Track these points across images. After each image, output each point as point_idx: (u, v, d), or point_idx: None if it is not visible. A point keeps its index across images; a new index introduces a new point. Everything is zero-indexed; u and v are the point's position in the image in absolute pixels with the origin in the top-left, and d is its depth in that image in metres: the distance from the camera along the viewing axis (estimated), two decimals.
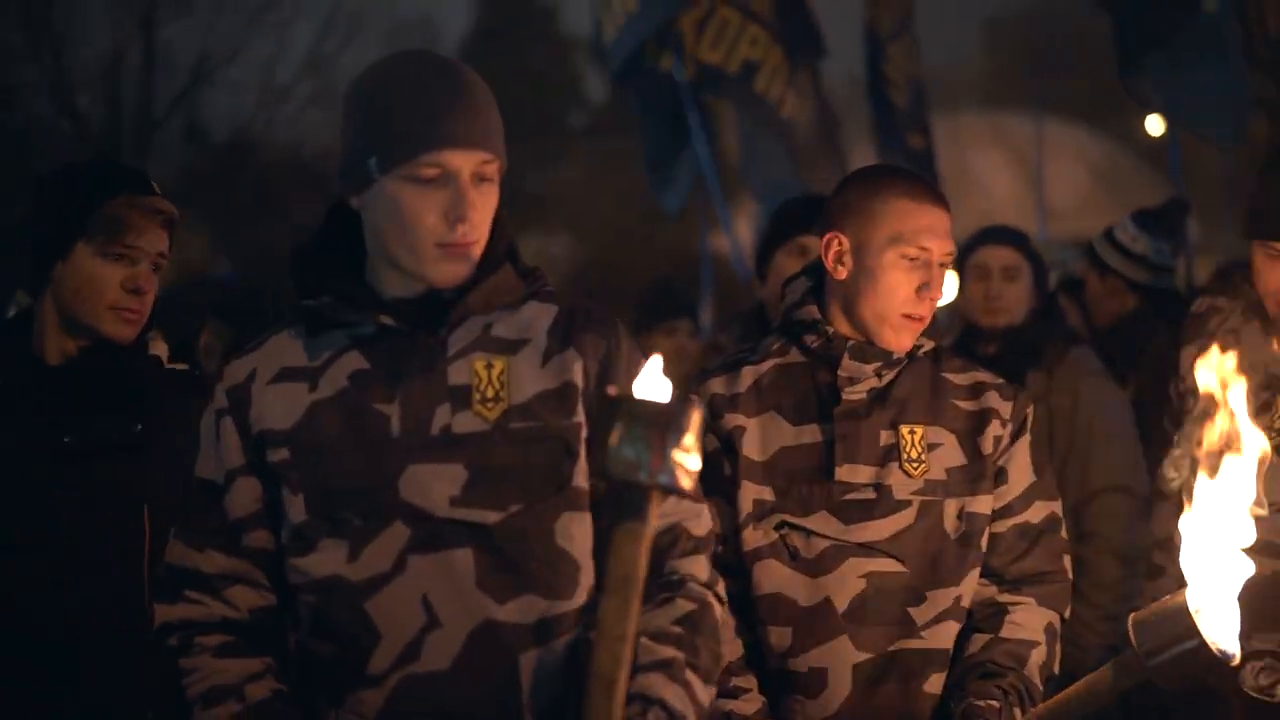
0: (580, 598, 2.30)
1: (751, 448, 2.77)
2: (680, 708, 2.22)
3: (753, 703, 2.73)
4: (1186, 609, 2.09)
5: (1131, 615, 2.17)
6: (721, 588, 2.40)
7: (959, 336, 4.59)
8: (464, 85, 2.29)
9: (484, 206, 2.29)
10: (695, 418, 1.90)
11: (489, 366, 2.29)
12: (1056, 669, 2.77)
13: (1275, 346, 2.98)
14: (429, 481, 2.25)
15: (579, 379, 2.31)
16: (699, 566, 2.36)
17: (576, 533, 2.31)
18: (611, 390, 1.90)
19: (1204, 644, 2.08)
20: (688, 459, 1.91)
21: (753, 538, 2.74)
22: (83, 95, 16.07)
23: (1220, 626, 2.09)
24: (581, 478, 2.31)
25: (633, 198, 19.55)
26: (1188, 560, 2.12)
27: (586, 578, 2.31)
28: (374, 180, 2.27)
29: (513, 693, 2.25)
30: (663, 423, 1.87)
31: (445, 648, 2.24)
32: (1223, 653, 2.09)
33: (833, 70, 8.59)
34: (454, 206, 2.25)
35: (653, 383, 1.92)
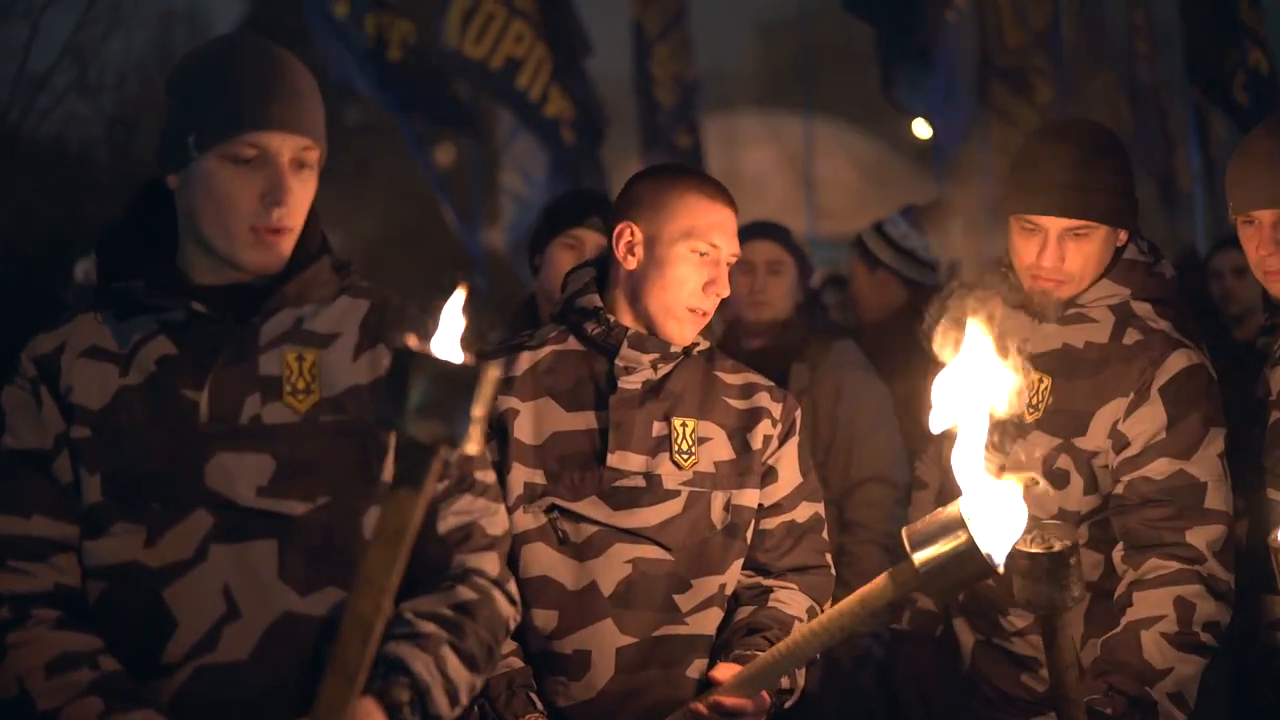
0: None
1: (524, 431, 2.80)
2: (426, 679, 2.22)
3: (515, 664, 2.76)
4: (959, 516, 2.20)
5: (905, 528, 2.27)
6: (513, 586, 2.41)
7: (724, 330, 4.67)
8: (288, 70, 2.30)
9: (302, 193, 2.28)
10: (489, 383, 1.91)
11: (300, 358, 2.29)
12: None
13: (1032, 322, 3.12)
14: (235, 471, 2.23)
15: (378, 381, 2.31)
16: (489, 562, 2.37)
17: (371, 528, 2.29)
18: (411, 343, 1.87)
19: (974, 546, 2.19)
20: (477, 424, 1.91)
21: (522, 520, 2.77)
22: None
23: (988, 535, 2.21)
24: (388, 472, 2.30)
25: (406, 195, 19.40)
26: (961, 477, 2.23)
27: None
28: (192, 159, 2.25)
29: (310, 685, 2.17)
30: (458, 384, 1.88)
31: (243, 639, 2.22)
32: (990, 558, 2.21)
33: (602, 70, 8.64)
34: (271, 190, 2.24)
35: (450, 344, 1.94)
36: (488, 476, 2.42)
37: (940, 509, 2.24)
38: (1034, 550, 2.33)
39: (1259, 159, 3.10)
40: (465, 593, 2.33)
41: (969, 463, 2.22)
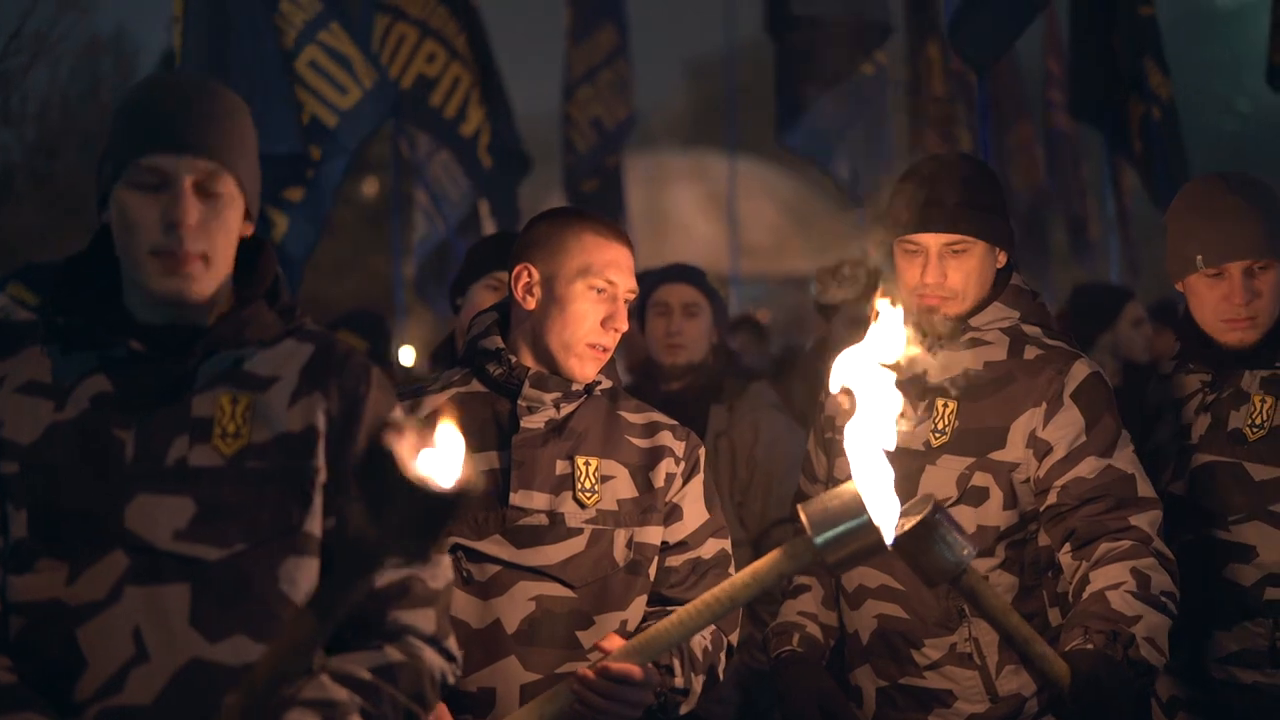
0: None
1: None
2: None
3: None
4: (856, 493, 2.29)
5: (800, 505, 2.34)
6: (452, 642, 2.35)
7: (641, 372, 4.72)
8: (201, 96, 2.27)
9: (212, 219, 2.23)
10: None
11: (234, 401, 2.25)
12: (721, 675, 2.90)
13: (921, 346, 3.23)
14: (155, 513, 2.20)
15: (321, 423, 2.28)
16: (424, 619, 2.31)
17: (300, 578, 2.25)
18: (409, 472, 1.80)
19: (870, 522, 2.28)
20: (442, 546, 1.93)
21: None
22: None
23: (880, 514, 2.30)
24: (314, 523, 2.27)
25: (355, 227, 19.35)
26: (853, 460, 2.31)
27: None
28: (109, 191, 2.25)
29: None
30: (439, 516, 1.85)
31: (149, 683, 2.19)
32: (882, 534, 2.30)
33: (538, 107, 8.72)
34: (167, 211, 2.21)
35: (443, 461, 1.87)
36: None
37: (837, 488, 2.32)
38: (906, 529, 2.45)
39: (1228, 213, 3.31)
40: (392, 654, 2.26)
41: (862, 441, 2.30)
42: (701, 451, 2.98)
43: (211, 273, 2.25)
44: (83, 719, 2.19)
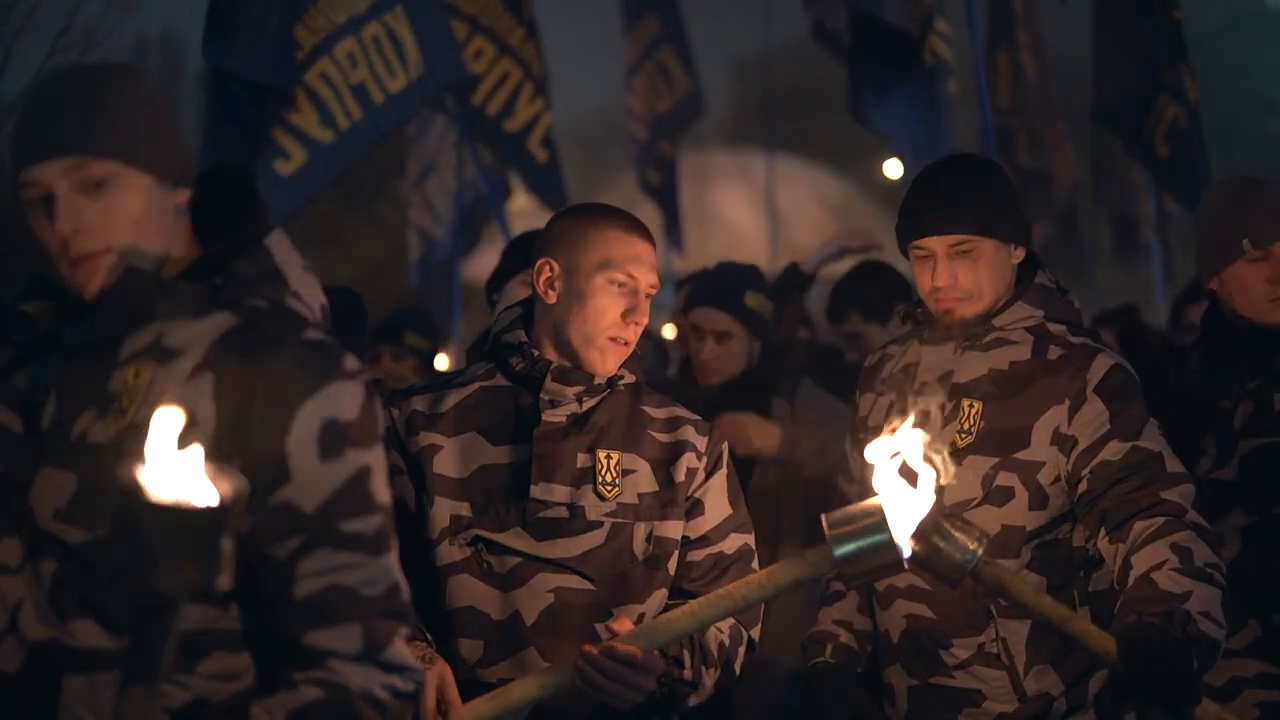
0: None
1: (446, 465, 2.87)
2: None
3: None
4: (880, 509, 2.31)
5: (824, 515, 2.37)
6: (396, 648, 2.12)
7: (679, 376, 4.75)
8: (64, 87, 2.15)
9: (96, 213, 2.12)
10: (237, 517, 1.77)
11: (137, 375, 2.10)
12: (738, 669, 2.90)
13: (955, 353, 3.26)
14: (47, 488, 2.11)
15: (203, 411, 2.05)
16: (347, 637, 2.08)
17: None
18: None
19: (890, 542, 2.31)
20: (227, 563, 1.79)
21: (447, 552, 2.84)
22: None
23: (901, 532, 2.33)
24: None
25: (382, 222, 19.42)
26: (879, 478, 2.34)
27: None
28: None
29: (49, 715, 2.09)
30: (195, 527, 1.77)
31: (14, 654, 2.12)
32: (901, 553, 2.33)
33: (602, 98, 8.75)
34: (56, 225, 2.12)
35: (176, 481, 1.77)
36: (364, 524, 2.10)
37: (861, 502, 2.34)
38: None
39: (1273, 197, 3.51)
40: (309, 692, 2.06)
41: (886, 457, 2.33)
42: (725, 447, 2.99)
43: (109, 260, 2.14)
44: None
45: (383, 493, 2.13)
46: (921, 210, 3.22)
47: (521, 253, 4.13)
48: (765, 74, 17.71)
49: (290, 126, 5.18)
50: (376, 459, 2.13)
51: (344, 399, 2.09)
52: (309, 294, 2.25)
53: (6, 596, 2.13)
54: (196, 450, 1.84)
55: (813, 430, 4.52)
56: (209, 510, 1.82)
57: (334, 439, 2.08)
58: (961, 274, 3.19)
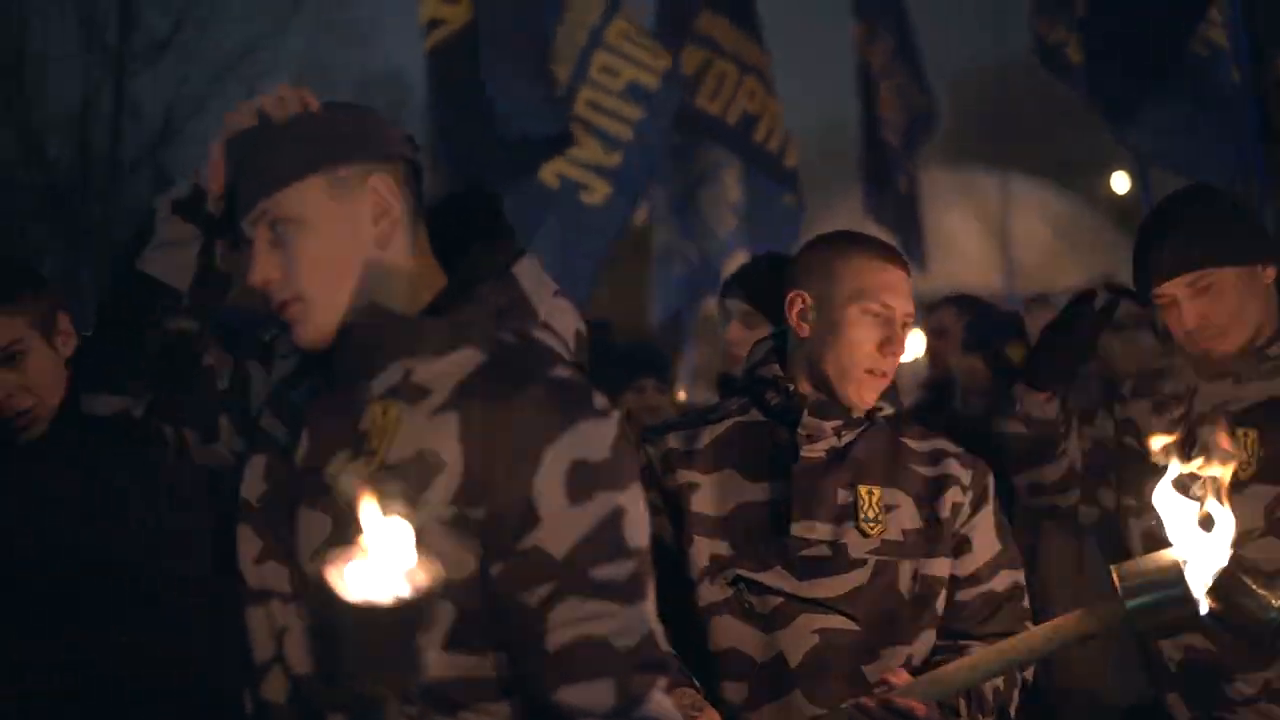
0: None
1: (705, 503, 2.81)
2: None
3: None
4: (1177, 563, 2.21)
5: (1113, 565, 2.27)
6: (655, 701, 1.97)
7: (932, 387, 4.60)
8: (255, 144, 2.12)
9: (290, 257, 2.07)
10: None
11: (385, 413, 2.04)
12: (1011, 712, 2.79)
13: (1231, 385, 3.12)
14: (304, 527, 2.07)
15: (448, 454, 1.98)
16: (599, 694, 1.95)
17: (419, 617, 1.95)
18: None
19: (1188, 594, 2.21)
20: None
21: (708, 593, 2.78)
22: (52, 143, 16.11)
23: (1197, 585, 2.23)
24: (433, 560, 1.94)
25: (620, 250, 19.62)
26: (1172, 526, 2.24)
27: (432, 665, 1.92)
28: None
29: None
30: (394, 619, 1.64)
31: (279, 686, 2.08)
32: (1197, 604, 2.24)
33: (814, 114, 8.67)
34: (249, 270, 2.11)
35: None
36: (616, 570, 1.96)
37: (1155, 554, 2.25)
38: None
39: None
40: None
41: (1180, 510, 2.23)
42: (990, 480, 2.88)
43: (319, 305, 2.08)
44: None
45: (637, 536, 2.00)
46: (1146, 261, 3.11)
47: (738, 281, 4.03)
48: (996, 86, 17.39)
49: (579, 161, 5.21)
50: (630, 500, 2.00)
51: (593, 439, 1.98)
52: (560, 323, 2.15)
53: (275, 621, 2.10)
54: (407, 531, 1.70)
55: None
56: (408, 608, 1.67)
57: (583, 481, 1.96)
58: (1209, 311, 3.06)
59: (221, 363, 2.32)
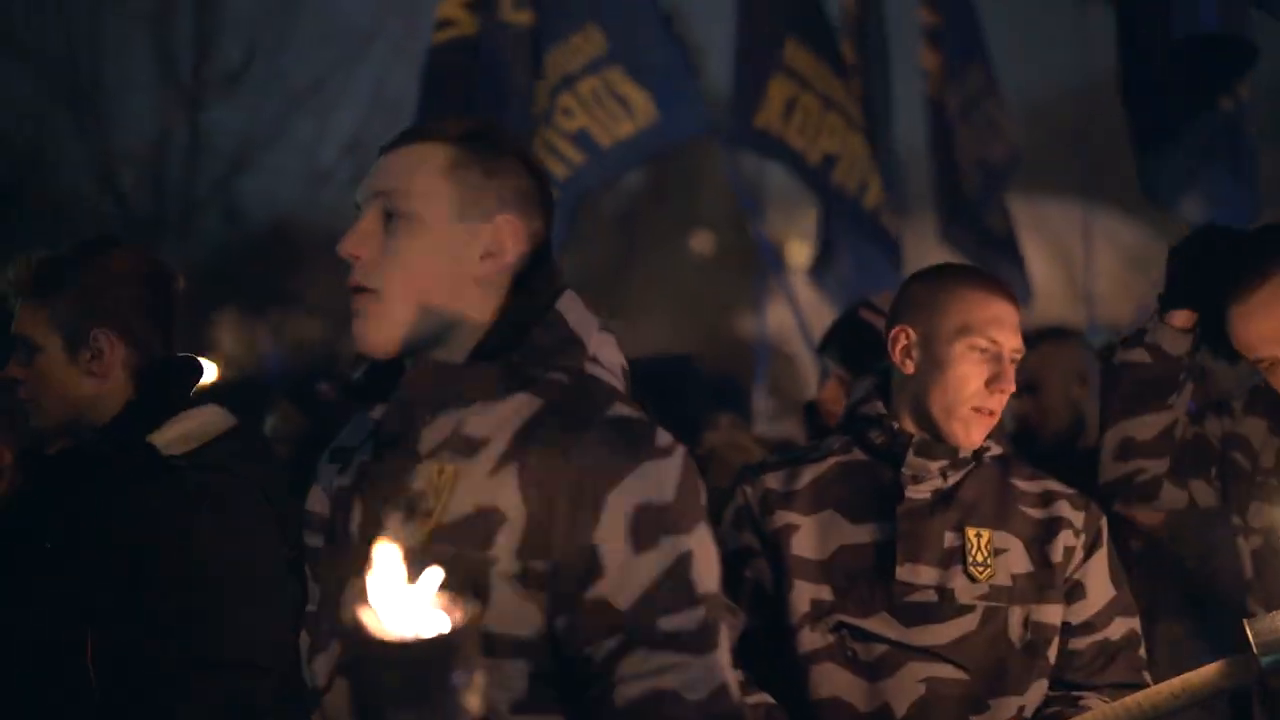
0: None
1: (805, 546, 2.71)
2: None
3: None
4: None
5: (1246, 620, 2.19)
6: None
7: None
8: (406, 131, 2.07)
9: (390, 248, 1.98)
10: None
11: (441, 472, 1.93)
12: None
13: None
14: (356, 598, 1.91)
15: (509, 506, 1.89)
16: None
17: (461, 683, 1.74)
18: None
19: None
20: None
21: (809, 639, 2.68)
22: (126, 174, 16.25)
23: None
24: (496, 620, 1.87)
25: (675, 283, 19.56)
26: None
27: None
28: None
29: None
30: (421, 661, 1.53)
31: None
32: None
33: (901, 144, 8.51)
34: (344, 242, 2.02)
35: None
36: (685, 619, 1.87)
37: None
38: None
39: None
40: None
41: None
42: (1103, 523, 2.76)
43: (392, 308, 1.97)
44: None
45: (707, 580, 1.89)
46: (1235, 328, 2.88)
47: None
48: (1067, 115, 17.20)
49: None
50: (699, 542, 1.90)
51: (657, 480, 1.88)
52: (608, 357, 2.04)
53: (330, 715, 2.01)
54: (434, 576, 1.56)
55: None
56: (474, 669, 1.55)
57: (648, 526, 1.87)
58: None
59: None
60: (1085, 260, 16.10)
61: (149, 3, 16.43)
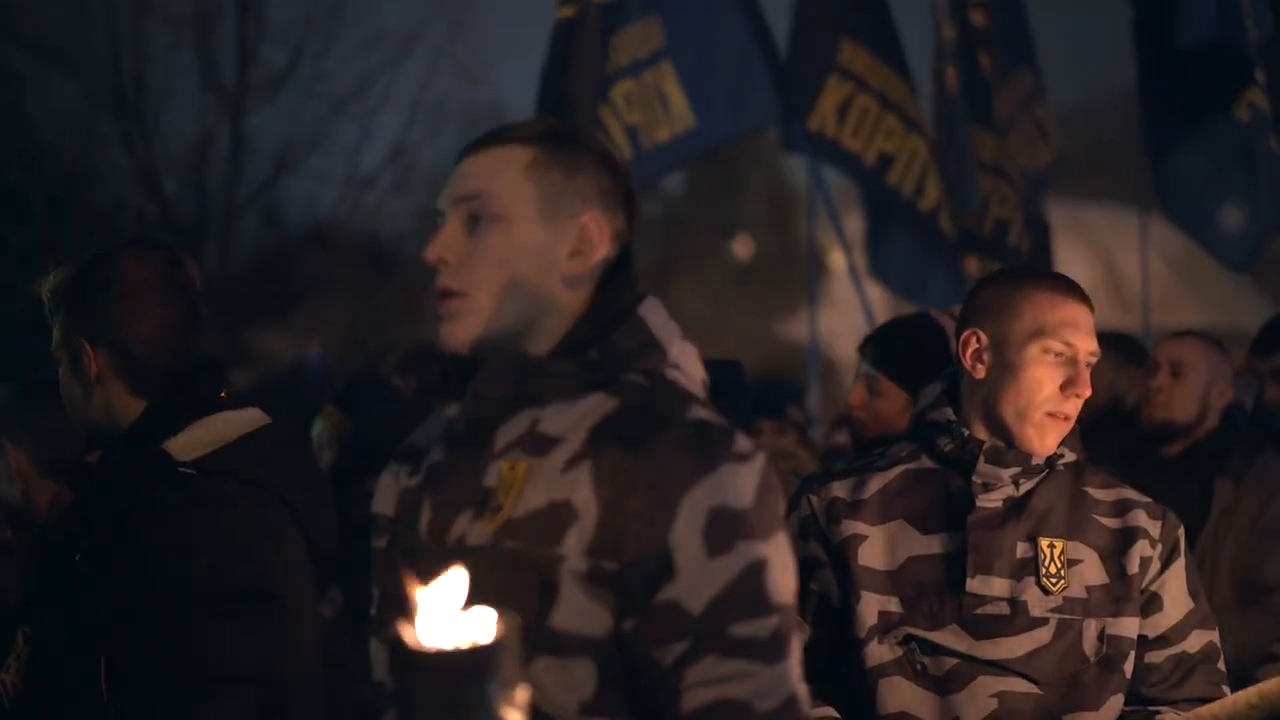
0: None
1: (873, 557, 2.66)
2: None
3: None
4: None
5: None
6: None
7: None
8: (484, 135, 2.05)
9: (476, 250, 1.96)
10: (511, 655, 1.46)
11: (513, 468, 1.91)
12: None
13: None
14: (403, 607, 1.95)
15: (582, 503, 1.86)
16: None
17: (549, 682, 1.86)
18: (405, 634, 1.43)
19: None
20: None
21: (877, 652, 2.63)
22: (169, 179, 16.32)
23: None
24: (564, 619, 1.85)
25: (723, 287, 19.52)
26: None
27: None
28: None
29: None
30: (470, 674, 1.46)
31: None
32: None
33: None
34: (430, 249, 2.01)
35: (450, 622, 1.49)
36: (758, 627, 1.84)
37: None
38: None
39: None
40: None
41: None
42: (1180, 533, 2.70)
43: (479, 309, 1.96)
44: None
45: (781, 590, 1.87)
46: None
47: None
48: (1101, 119, 17.12)
49: None
50: (775, 550, 1.87)
51: (735, 485, 1.85)
52: (689, 366, 2.02)
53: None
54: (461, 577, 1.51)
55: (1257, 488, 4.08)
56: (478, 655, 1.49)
57: (723, 531, 1.83)
58: None
59: None
60: (1141, 267, 16.00)
61: (192, 8, 16.51)
